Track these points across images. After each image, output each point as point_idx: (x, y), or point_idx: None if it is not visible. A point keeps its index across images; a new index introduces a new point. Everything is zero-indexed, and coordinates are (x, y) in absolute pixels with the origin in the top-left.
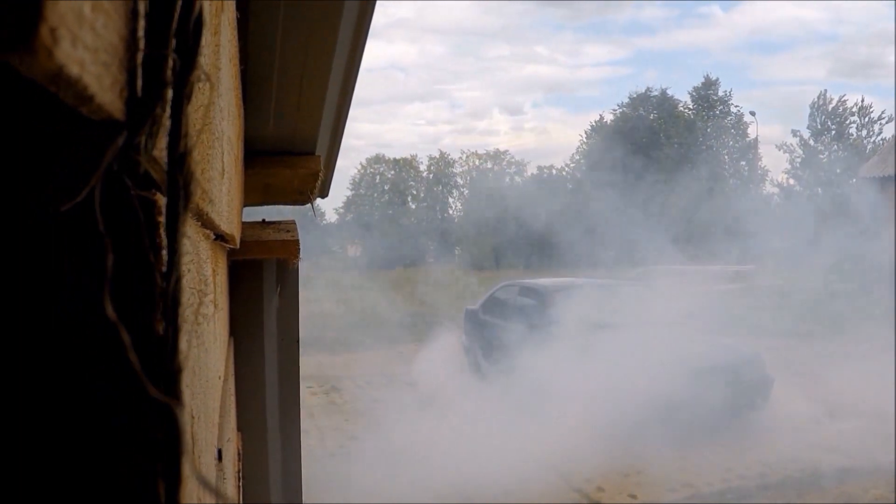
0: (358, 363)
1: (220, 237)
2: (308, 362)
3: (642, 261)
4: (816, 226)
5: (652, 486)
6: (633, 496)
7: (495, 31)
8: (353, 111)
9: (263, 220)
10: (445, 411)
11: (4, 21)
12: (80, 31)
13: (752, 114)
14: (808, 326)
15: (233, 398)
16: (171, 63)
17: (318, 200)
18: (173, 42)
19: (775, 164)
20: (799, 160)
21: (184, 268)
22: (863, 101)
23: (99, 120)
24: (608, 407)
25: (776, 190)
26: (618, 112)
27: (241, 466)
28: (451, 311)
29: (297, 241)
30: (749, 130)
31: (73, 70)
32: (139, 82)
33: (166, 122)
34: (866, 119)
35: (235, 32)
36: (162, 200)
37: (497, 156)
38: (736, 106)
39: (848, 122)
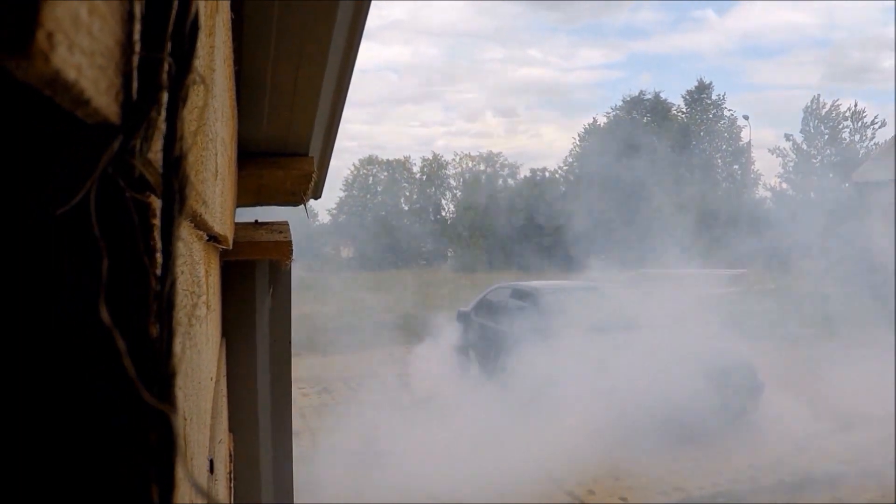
0: (350, 365)
1: (213, 238)
2: (300, 364)
3: (635, 264)
4: (810, 229)
5: (643, 489)
6: (624, 499)
7: (489, 34)
8: (347, 112)
9: (256, 221)
10: (437, 413)
11: (1, 25)
12: (77, 36)
13: (746, 118)
14: (801, 330)
15: (225, 399)
16: (166, 66)
17: (311, 201)
18: (169, 45)
19: (768, 168)
20: (792, 164)
21: (178, 270)
22: (856, 105)
23: (95, 123)
24: (600, 410)
25: (769, 194)
26: (611, 115)
27: (232, 467)
28: (444, 313)
29: (290, 242)
30: (742, 134)
31: (70, 75)
32: (135, 85)
33: (161, 126)
34: (859, 124)
35: (230, 34)
36: (157, 203)
37: (490, 158)
38: (729, 110)
39: (841, 126)
